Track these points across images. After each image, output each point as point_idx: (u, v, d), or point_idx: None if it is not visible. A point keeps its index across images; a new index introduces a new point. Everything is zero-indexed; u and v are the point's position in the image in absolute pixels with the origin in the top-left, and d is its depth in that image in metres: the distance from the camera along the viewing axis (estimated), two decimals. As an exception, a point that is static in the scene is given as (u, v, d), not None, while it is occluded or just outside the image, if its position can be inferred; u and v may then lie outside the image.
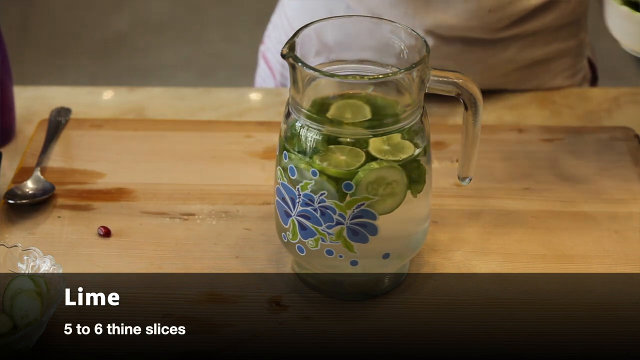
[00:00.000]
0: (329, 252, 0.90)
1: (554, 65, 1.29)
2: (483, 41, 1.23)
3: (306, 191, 0.88)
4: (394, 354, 0.89)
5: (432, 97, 0.95)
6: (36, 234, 1.02)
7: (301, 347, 0.90)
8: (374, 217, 0.88)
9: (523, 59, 1.26)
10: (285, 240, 0.93)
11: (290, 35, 1.33)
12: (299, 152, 0.88)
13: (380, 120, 0.87)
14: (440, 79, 0.89)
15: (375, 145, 0.87)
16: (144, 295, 0.95)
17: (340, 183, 0.87)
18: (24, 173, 1.10)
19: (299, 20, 1.31)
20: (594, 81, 1.38)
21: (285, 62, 1.36)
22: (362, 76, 0.89)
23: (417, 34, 0.90)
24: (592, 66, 1.37)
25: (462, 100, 0.91)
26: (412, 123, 0.88)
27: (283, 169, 0.89)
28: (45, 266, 0.92)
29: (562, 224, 1.04)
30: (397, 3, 1.20)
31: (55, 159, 1.13)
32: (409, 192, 0.89)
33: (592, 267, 0.99)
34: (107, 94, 1.28)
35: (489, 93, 1.25)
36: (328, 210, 0.88)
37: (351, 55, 0.93)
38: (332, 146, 0.87)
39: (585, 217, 1.05)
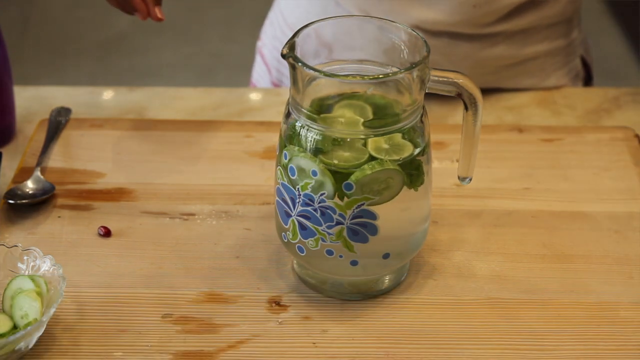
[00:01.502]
0: (329, 252, 0.90)
1: (546, 64, 1.29)
2: (470, 36, 1.23)
3: (306, 191, 0.88)
4: (394, 354, 0.89)
5: (432, 97, 0.95)
6: (36, 234, 1.02)
7: (301, 347, 0.90)
8: (374, 217, 0.88)
9: (513, 56, 1.26)
10: (285, 240, 0.93)
11: (286, 31, 1.34)
12: (299, 152, 0.88)
13: (380, 120, 0.87)
14: (440, 79, 0.89)
15: (375, 145, 0.87)
16: (144, 295, 0.95)
17: (341, 183, 0.87)
18: (24, 173, 1.10)
19: (293, 16, 1.32)
20: (588, 80, 1.38)
21: (280, 58, 1.36)
22: (362, 76, 0.89)
23: (417, 33, 0.90)
24: (585, 65, 1.36)
25: (462, 100, 0.91)
26: (412, 123, 0.88)
27: (283, 168, 0.89)
28: (45, 266, 0.92)
29: (562, 224, 1.04)
30: None
31: (55, 159, 1.13)
32: (410, 190, 0.89)
33: (592, 267, 0.99)
34: (107, 94, 1.28)
35: (489, 93, 1.25)
36: (328, 210, 0.88)
37: (351, 55, 0.93)
38: (332, 146, 0.87)
39: (585, 217, 1.05)
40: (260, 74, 1.43)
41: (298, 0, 1.31)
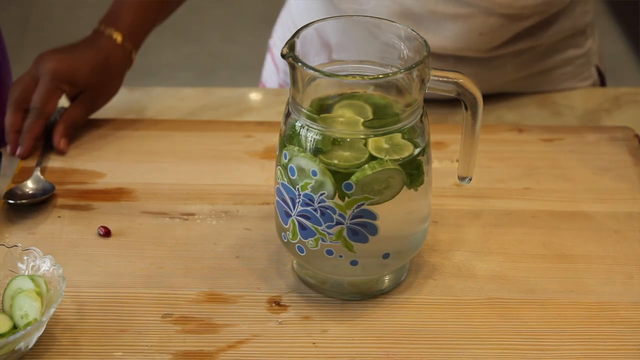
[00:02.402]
0: (329, 252, 0.90)
1: (555, 75, 1.28)
2: (476, 59, 1.22)
3: (306, 191, 0.88)
4: (394, 354, 0.89)
5: (432, 97, 0.95)
6: (36, 234, 1.02)
7: (301, 347, 0.90)
8: (374, 217, 0.88)
9: (521, 71, 1.25)
10: (285, 240, 0.93)
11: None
12: (299, 152, 0.88)
13: (380, 120, 0.87)
14: (440, 79, 0.89)
15: (375, 144, 0.87)
16: (144, 295, 0.95)
17: (340, 183, 0.86)
18: (24, 173, 1.10)
19: (302, 20, 1.31)
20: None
21: None
22: (362, 76, 0.89)
23: (417, 34, 0.90)
24: (600, 74, 1.35)
25: (462, 100, 0.91)
26: (412, 123, 0.88)
27: (283, 168, 0.89)
28: (45, 266, 0.92)
29: (562, 224, 1.04)
30: None
31: (55, 159, 1.13)
32: (410, 190, 0.89)
33: (592, 267, 0.99)
34: (107, 94, 1.28)
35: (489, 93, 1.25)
36: (328, 210, 0.88)
37: (352, 55, 0.92)
38: (332, 146, 0.87)
39: (585, 217, 1.05)
40: (269, 72, 1.43)
41: (308, 5, 1.30)
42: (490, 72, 1.24)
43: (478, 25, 1.18)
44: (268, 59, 1.44)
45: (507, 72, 1.24)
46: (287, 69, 1.37)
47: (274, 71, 1.41)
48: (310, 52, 0.90)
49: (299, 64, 0.86)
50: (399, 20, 1.17)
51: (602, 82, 1.36)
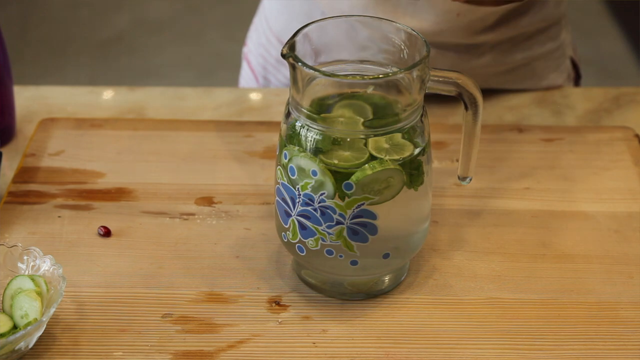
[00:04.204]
0: (329, 252, 0.90)
1: (538, 68, 1.28)
2: (456, 46, 1.22)
3: (306, 191, 0.88)
4: (394, 354, 0.89)
5: (432, 97, 0.95)
6: (36, 234, 1.02)
7: (301, 347, 0.90)
8: (374, 217, 0.88)
9: (502, 63, 1.25)
10: (285, 240, 0.93)
11: (270, 38, 1.33)
12: (299, 152, 0.88)
13: (380, 120, 0.87)
14: (440, 78, 0.89)
15: (376, 144, 0.87)
16: (144, 295, 0.95)
17: (341, 183, 0.87)
18: (24, 173, 1.10)
19: (278, 23, 1.31)
20: (577, 80, 1.37)
21: (266, 65, 1.36)
22: (362, 76, 0.89)
23: (417, 34, 0.90)
24: (574, 65, 1.36)
25: (462, 100, 0.91)
26: (412, 123, 0.88)
27: (283, 168, 0.90)
28: (45, 266, 0.92)
29: (562, 224, 1.04)
30: (367, 8, 1.19)
31: (56, 159, 1.13)
32: (410, 189, 0.89)
33: (592, 267, 0.99)
34: (107, 94, 1.28)
35: (489, 93, 1.25)
36: (328, 210, 0.88)
37: (350, 55, 0.92)
38: (332, 145, 0.87)
39: (585, 217, 1.05)
40: (247, 80, 1.42)
41: (282, 8, 1.30)
42: (471, 62, 1.23)
43: (455, 5, 1.17)
44: (244, 66, 1.43)
45: (487, 63, 1.24)
46: (266, 74, 1.38)
47: (251, 78, 1.40)
48: (309, 52, 0.90)
49: (299, 63, 0.86)
50: (377, 5, 1.17)
51: (577, 74, 1.36)
